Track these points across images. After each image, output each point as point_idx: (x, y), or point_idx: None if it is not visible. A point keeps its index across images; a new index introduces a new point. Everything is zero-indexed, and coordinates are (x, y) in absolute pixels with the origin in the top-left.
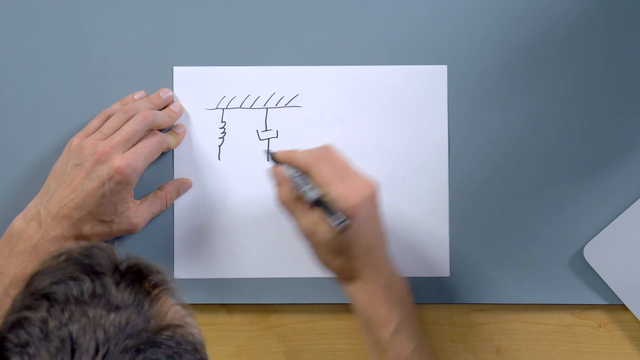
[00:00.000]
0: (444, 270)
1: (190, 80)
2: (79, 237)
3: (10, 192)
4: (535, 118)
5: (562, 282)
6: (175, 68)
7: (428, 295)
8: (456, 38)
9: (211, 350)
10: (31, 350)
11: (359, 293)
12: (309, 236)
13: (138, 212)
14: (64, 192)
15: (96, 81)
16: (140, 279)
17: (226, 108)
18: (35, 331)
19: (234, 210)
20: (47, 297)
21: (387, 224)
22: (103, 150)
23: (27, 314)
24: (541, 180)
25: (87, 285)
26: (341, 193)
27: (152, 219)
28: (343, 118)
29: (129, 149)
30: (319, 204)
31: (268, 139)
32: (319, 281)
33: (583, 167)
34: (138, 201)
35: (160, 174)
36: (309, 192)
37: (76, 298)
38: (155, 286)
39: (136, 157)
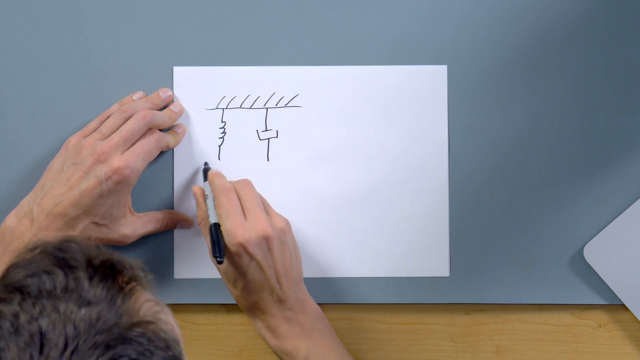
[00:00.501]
0: (444, 270)
1: (190, 80)
2: None
3: (10, 192)
4: (535, 118)
5: (562, 282)
6: (175, 68)
7: (428, 295)
8: (456, 38)
9: (211, 350)
10: (1, 344)
11: (260, 327)
12: (212, 259)
13: (132, 224)
14: (60, 189)
15: (96, 81)
16: (113, 274)
17: (226, 108)
18: (7, 325)
19: None
20: (20, 290)
21: (298, 260)
22: (102, 150)
23: (0, 307)
24: (541, 180)
25: (60, 279)
26: (230, 227)
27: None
28: (343, 118)
29: (128, 149)
30: (210, 231)
31: (268, 139)
32: (319, 281)
33: (583, 167)
34: (136, 213)
35: (160, 174)
36: (212, 216)
37: (48, 292)
38: (128, 281)
39: (134, 158)
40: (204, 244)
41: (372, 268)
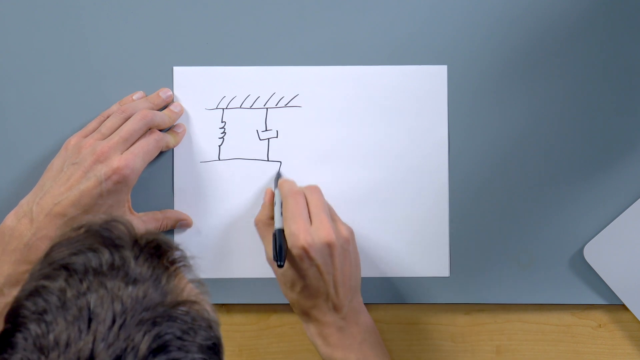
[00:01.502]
0: (444, 270)
1: (190, 80)
2: None
3: (10, 191)
4: (535, 118)
5: (562, 282)
6: (175, 68)
7: (428, 295)
8: (456, 38)
9: None
10: (48, 317)
11: (312, 332)
12: (270, 262)
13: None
14: (59, 189)
15: (96, 81)
16: (158, 254)
17: (226, 108)
18: (53, 299)
19: (234, 210)
20: (66, 267)
21: (358, 270)
22: (102, 150)
23: (45, 282)
24: (541, 180)
25: (106, 257)
26: (295, 231)
27: None
28: (343, 118)
29: (127, 149)
30: (274, 237)
31: (268, 139)
32: None
33: (583, 167)
34: (135, 213)
35: (160, 174)
36: (277, 221)
37: (95, 269)
38: (173, 262)
39: (134, 158)
40: (204, 244)
41: (372, 268)
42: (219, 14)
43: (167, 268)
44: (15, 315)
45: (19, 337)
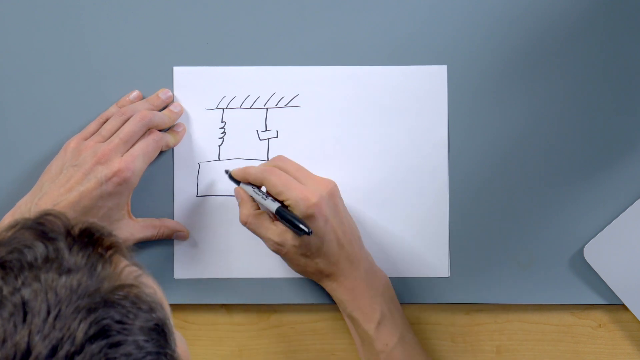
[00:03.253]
0: (444, 271)
1: (190, 80)
2: None
3: (10, 192)
4: (535, 118)
5: (562, 282)
6: (175, 68)
7: (428, 295)
8: (456, 38)
9: (211, 350)
10: None
11: (339, 289)
12: (278, 248)
13: (130, 228)
14: (59, 191)
15: (96, 81)
16: (93, 242)
17: (226, 108)
18: None
19: (234, 210)
20: (2, 265)
21: (353, 221)
22: (103, 153)
23: None
24: (541, 180)
25: (40, 250)
26: (299, 195)
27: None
28: (343, 118)
29: (128, 150)
30: (280, 217)
31: (268, 139)
32: None
33: (583, 167)
34: (134, 218)
35: (160, 174)
36: (270, 204)
37: (30, 264)
38: (108, 248)
39: (134, 159)
40: (204, 244)
41: None
42: (219, 14)
43: (102, 255)
44: None
45: None
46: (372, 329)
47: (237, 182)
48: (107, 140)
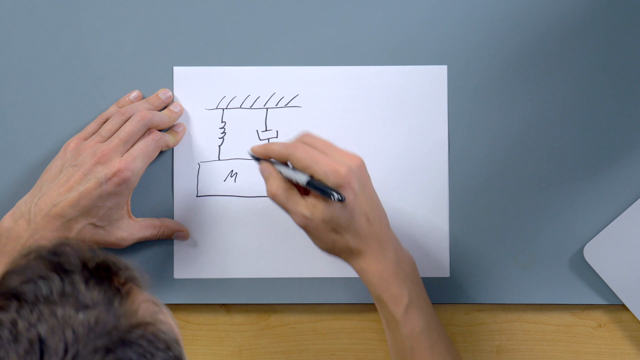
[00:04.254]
0: (444, 270)
1: (190, 80)
2: None
3: (9, 192)
4: (535, 118)
5: (562, 282)
6: (175, 68)
7: (428, 295)
8: (456, 38)
9: (211, 350)
10: (1, 353)
11: (369, 269)
12: (307, 223)
13: (130, 227)
14: (58, 190)
15: (96, 81)
16: (109, 275)
17: (226, 108)
18: (5, 333)
19: (234, 210)
20: (17, 297)
21: (380, 201)
22: (103, 153)
23: None
24: (541, 180)
25: (56, 284)
26: (328, 167)
27: (138, 242)
28: (343, 118)
29: (127, 150)
30: (311, 186)
31: (268, 139)
32: (319, 281)
33: (583, 167)
34: (134, 217)
35: (160, 174)
36: (299, 176)
37: (45, 297)
38: (125, 283)
39: (134, 159)
40: (204, 244)
41: None
42: (219, 14)
43: (118, 290)
44: None
45: None
46: (399, 313)
47: (258, 159)
48: (107, 140)
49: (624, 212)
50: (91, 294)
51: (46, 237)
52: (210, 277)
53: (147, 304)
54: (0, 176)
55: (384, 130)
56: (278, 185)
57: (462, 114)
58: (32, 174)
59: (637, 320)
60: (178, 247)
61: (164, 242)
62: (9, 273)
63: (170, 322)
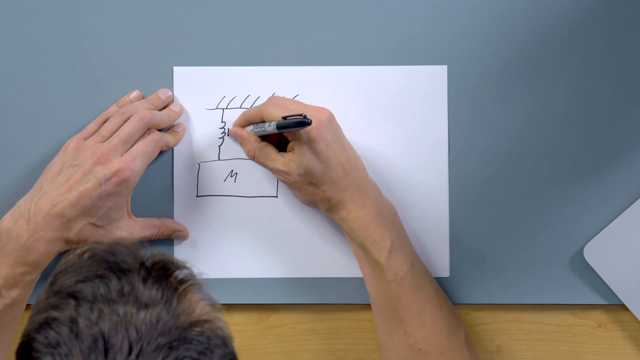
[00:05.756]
0: (444, 270)
1: (190, 80)
2: (67, 240)
3: (10, 192)
4: (535, 118)
5: (562, 282)
6: (175, 68)
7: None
8: (456, 38)
9: None
10: (63, 349)
11: (350, 217)
12: (286, 177)
13: (129, 227)
14: (58, 190)
15: (96, 81)
16: (166, 275)
17: (226, 108)
18: (65, 331)
19: (234, 210)
20: (74, 296)
21: (355, 151)
22: (102, 153)
23: (55, 313)
24: (541, 180)
25: (113, 283)
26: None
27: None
28: (343, 118)
29: (127, 150)
30: (282, 127)
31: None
32: (319, 281)
33: (583, 167)
34: (134, 217)
35: (160, 174)
36: (270, 125)
37: (104, 296)
38: (182, 282)
39: (134, 160)
40: (204, 244)
41: None
42: (219, 14)
43: (176, 288)
44: (27, 349)
45: None
46: (383, 257)
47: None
48: (106, 140)
49: (624, 212)
50: (150, 292)
51: (46, 237)
52: (210, 277)
53: (203, 302)
54: (0, 176)
55: (384, 130)
56: (253, 146)
57: (462, 114)
58: (32, 174)
59: (637, 320)
60: (178, 247)
61: (164, 242)
62: (62, 272)
63: (224, 320)
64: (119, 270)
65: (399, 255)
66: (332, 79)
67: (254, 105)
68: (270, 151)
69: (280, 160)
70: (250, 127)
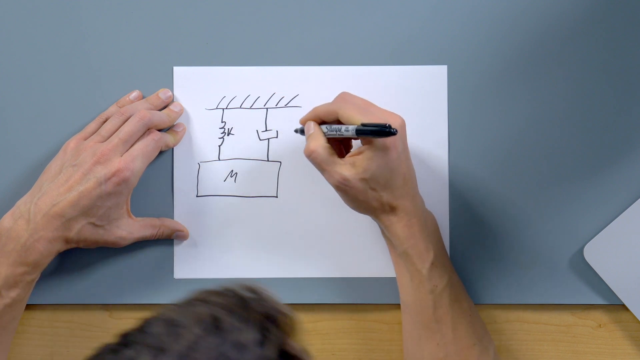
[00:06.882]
0: None
1: (190, 80)
2: (67, 239)
3: (10, 192)
4: (535, 118)
5: (562, 282)
6: (175, 68)
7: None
8: (456, 38)
9: None
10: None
11: (399, 224)
12: (344, 183)
13: (129, 226)
14: (58, 190)
15: (96, 81)
16: (272, 323)
17: (226, 108)
18: None
19: (234, 210)
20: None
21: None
22: (102, 153)
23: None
24: (541, 180)
25: (254, 334)
26: (380, 120)
27: (138, 242)
28: None
29: (127, 150)
30: (361, 132)
31: (268, 139)
32: (319, 281)
33: (583, 167)
34: (133, 217)
35: (160, 174)
36: (348, 128)
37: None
38: (284, 329)
39: (133, 159)
40: (204, 244)
41: (373, 268)
42: (219, 14)
43: (279, 337)
44: None
45: None
46: (425, 268)
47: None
48: (106, 140)
49: (624, 212)
50: (252, 335)
51: (46, 236)
52: (210, 277)
53: (301, 351)
54: (0, 176)
55: None
56: (319, 144)
57: (462, 114)
58: (32, 174)
59: (637, 320)
60: (178, 247)
61: (164, 242)
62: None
63: None
64: (264, 322)
65: (439, 267)
66: (332, 79)
67: (290, 104)
68: (333, 154)
69: (341, 164)
70: (324, 127)
